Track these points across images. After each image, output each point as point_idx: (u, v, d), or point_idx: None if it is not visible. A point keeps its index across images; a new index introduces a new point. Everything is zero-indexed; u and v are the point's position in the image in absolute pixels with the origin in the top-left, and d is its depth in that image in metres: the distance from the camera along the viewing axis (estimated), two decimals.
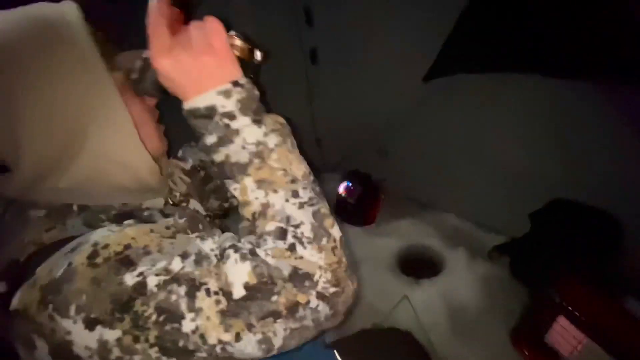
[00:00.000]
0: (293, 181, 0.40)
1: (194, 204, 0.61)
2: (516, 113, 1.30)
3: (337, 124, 1.71)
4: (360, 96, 1.58)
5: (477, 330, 1.19)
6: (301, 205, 0.39)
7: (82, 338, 0.34)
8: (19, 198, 0.42)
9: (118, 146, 0.43)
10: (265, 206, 0.39)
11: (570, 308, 0.97)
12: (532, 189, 1.32)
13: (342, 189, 1.61)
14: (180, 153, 0.72)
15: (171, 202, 0.53)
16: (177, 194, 0.59)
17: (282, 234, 0.38)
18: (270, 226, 0.38)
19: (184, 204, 0.57)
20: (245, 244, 0.38)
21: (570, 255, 1.18)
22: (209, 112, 0.39)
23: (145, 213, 0.46)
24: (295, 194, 0.39)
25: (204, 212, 0.62)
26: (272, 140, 0.40)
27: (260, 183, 0.39)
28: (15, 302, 0.36)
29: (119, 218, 0.43)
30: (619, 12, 0.88)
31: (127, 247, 0.36)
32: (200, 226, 0.50)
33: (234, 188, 0.41)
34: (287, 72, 1.58)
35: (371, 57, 1.48)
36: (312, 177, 0.42)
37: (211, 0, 1.33)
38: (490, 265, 1.37)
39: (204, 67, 0.38)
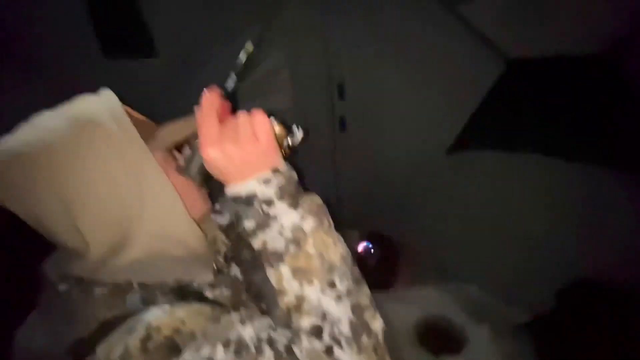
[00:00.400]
0: (330, 269, 0.40)
1: (235, 270, 0.61)
2: (541, 187, 1.34)
3: (359, 186, 1.79)
4: (385, 165, 1.68)
5: None
6: (338, 298, 0.39)
7: None
8: (86, 278, 0.46)
9: (169, 223, 0.46)
10: (301, 299, 0.39)
11: None
12: (559, 266, 1.31)
13: (360, 248, 1.63)
14: (217, 206, 0.74)
15: (216, 268, 0.54)
16: (221, 259, 0.60)
17: (318, 332, 0.37)
18: (306, 322, 0.38)
19: (226, 270, 0.58)
20: (281, 338, 0.38)
21: (597, 335, 1.13)
22: (249, 199, 0.41)
23: (195, 285, 0.49)
24: (331, 285, 0.39)
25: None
26: (309, 224, 0.41)
27: (296, 272, 0.39)
28: None
29: (173, 293, 0.46)
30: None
31: (177, 331, 0.37)
32: (243, 297, 0.51)
33: (270, 274, 0.41)
34: (317, 138, 1.72)
35: (395, 128, 1.60)
36: (350, 259, 0.42)
37: (262, 74, 1.55)
38: (515, 343, 1.31)
39: (248, 157, 0.41)
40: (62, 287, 0.46)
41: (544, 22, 1.06)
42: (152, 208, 0.45)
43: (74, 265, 0.46)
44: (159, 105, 1.35)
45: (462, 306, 1.51)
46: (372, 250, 1.59)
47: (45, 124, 0.45)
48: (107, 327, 0.40)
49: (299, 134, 0.46)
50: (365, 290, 0.42)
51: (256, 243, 0.41)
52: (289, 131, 0.46)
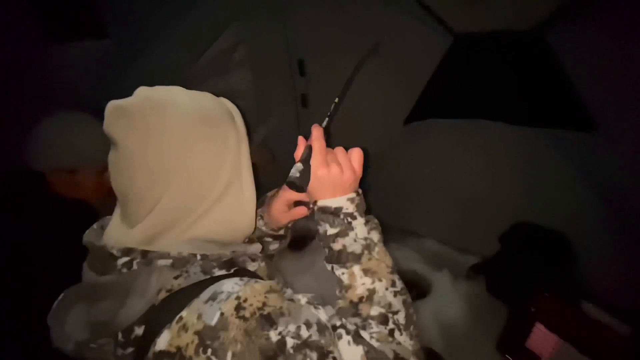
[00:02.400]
0: (391, 272, 0.50)
1: (272, 245, 0.73)
2: (483, 150, 1.54)
3: None
4: (346, 136, 1.75)
5: (468, 345, 1.32)
6: (396, 294, 0.49)
7: None
8: (147, 246, 0.47)
9: (240, 215, 0.53)
10: (372, 292, 0.48)
11: (545, 316, 1.15)
12: (499, 215, 1.55)
13: None
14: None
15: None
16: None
17: (384, 319, 0.46)
18: (375, 311, 0.47)
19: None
20: (351, 325, 0.46)
21: (534, 270, 1.39)
22: (337, 211, 0.52)
23: (241, 259, 0.54)
24: (393, 284, 0.49)
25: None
26: (375, 237, 0.52)
27: (367, 271, 0.49)
28: (162, 343, 0.40)
29: (226, 265, 0.50)
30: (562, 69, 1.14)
31: (265, 304, 0.41)
32: (273, 269, 0.60)
33: (341, 272, 0.51)
34: (281, 115, 1.72)
35: (356, 103, 1.67)
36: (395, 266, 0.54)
37: (216, 52, 1.48)
38: (471, 284, 1.55)
39: (344, 180, 0.52)
40: (123, 260, 0.46)
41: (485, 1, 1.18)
42: (230, 199, 0.51)
43: (139, 240, 0.47)
44: (111, 87, 1.24)
45: (423, 258, 1.71)
46: None
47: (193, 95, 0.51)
48: (179, 297, 0.43)
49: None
50: (407, 291, 0.51)
51: (336, 246, 0.52)
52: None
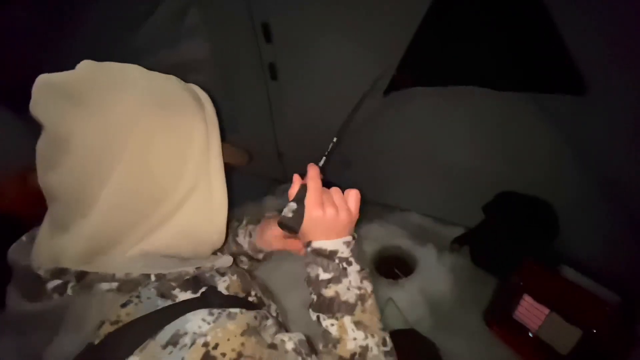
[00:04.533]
0: (382, 329, 0.47)
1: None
2: (465, 119, 1.46)
3: (298, 137, 1.72)
4: (321, 109, 1.61)
5: (456, 319, 1.32)
6: (386, 355, 0.45)
7: None
8: (85, 265, 0.38)
9: (206, 225, 0.45)
10: (365, 349, 0.44)
11: (532, 287, 1.14)
12: (483, 185, 1.51)
13: None
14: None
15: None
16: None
17: None
18: None
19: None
20: None
21: (519, 240, 1.38)
22: (332, 255, 0.48)
23: (207, 274, 0.46)
24: (384, 342, 0.46)
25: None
26: (369, 287, 0.48)
27: (359, 324, 0.45)
28: None
29: (189, 285, 0.42)
30: (549, 38, 1.05)
31: (240, 355, 0.34)
32: (248, 279, 0.52)
33: (330, 324, 0.46)
34: (248, 88, 1.54)
35: (330, 71, 1.52)
36: None
37: (163, 17, 1.25)
38: (456, 256, 1.53)
39: (339, 222, 0.48)
40: (54, 284, 0.38)
41: None
42: (195, 204, 0.43)
43: (73, 257, 0.38)
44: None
45: (407, 233, 1.67)
46: None
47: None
48: (129, 333, 0.35)
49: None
50: (394, 352, 0.48)
51: (328, 292, 0.47)
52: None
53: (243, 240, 0.68)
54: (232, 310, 0.39)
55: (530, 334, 1.15)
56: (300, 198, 0.50)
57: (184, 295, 0.40)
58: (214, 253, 0.50)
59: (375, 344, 0.45)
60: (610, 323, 0.98)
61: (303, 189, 0.51)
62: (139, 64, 0.44)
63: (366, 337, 0.45)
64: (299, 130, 1.66)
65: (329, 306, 0.46)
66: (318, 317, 0.48)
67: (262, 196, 1.92)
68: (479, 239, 1.53)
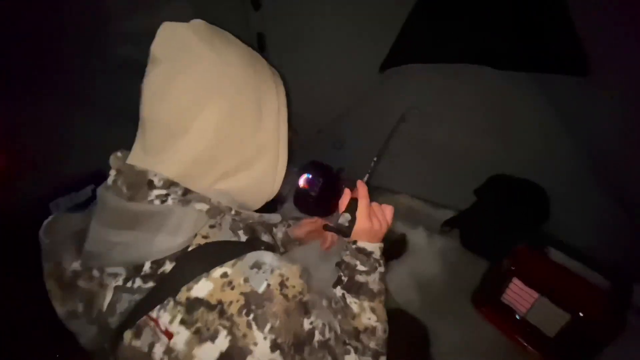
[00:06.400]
0: (387, 321, 0.58)
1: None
2: (457, 101, 1.41)
3: (291, 119, 1.64)
4: (312, 83, 1.53)
5: (444, 300, 1.32)
6: (385, 342, 0.57)
7: (263, 354, 0.37)
8: (192, 190, 0.45)
9: (268, 185, 0.52)
10: (374, 329, 0.56)
11: (522, 271, 1.14)
12: (475, 168, 1.48)
13: (302, 181, 1.57)
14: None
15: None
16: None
17: (377, 356, 0.54)
18: (373, 345, 0.54)
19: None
20: (351, 345, 0.51)
21: (510, 223, 1.37)
22: (369, 254, 0.61)
23: (258, 227, 0.56)
24: (385, 331, 0.57)
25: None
26: (383, 286, 0.61)
27: (374, 311, 0.57)
28: (200, 291, 0.38)
29: (248, 230, 0.50)
30: (548, 15, 0.99)
31: (302, 292, 0.42)
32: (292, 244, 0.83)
33: (353, 301, 0.58)
34: None
35: (322, 43, 1.42)
36: None
37: None
38: (446, 239, 1.52)
39: (380, 232, 0.63)
40: (158, 192, 0.43)
41: None
42: (265, 164, 0.50)
43: (170, 172, 0.44)
44: None
45: (398, 215, 1.64)
46: (314, 181, 1.55)
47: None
48: (215, 250, 0.42)
49: None
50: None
51: (360, 278, 0.60)
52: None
53: (280, 229, 0.87)
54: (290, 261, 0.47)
55: (517, 317, 1.16)
56: (352, 210, 0.64)
57: (244, 236, 0.47)
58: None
59: (382, 330, 0.56)
60: (599, 308, 0.98)
61: (354, 203, 0.64)
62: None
63: (377, 321, 0.56)
64: (291, 110, 1.58)
65: (357, 289, 0.58)
66: (344, 295, 0.58)
67: None
68: (469, 222, 1.52)
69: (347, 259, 0.62)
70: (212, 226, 0.44)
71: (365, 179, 0.67)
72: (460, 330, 1.21)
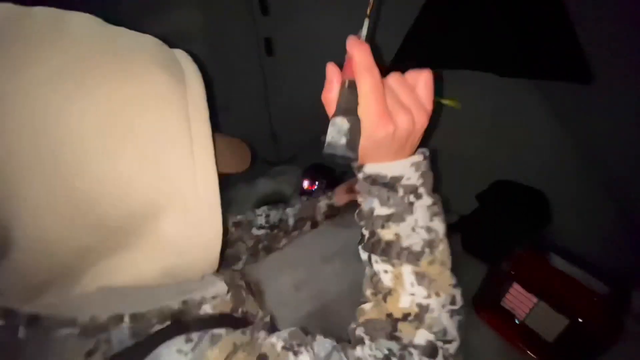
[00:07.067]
0: (455, 285, 0.34)
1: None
2: (464, 106, 1.42)
3: (294, 118, 1.67)
4: (319, 89, 1.55)
5: None
6: (453, 314, 0.34)
7: None
8: (45, 315, 0.29)
9: (195, 237, 0.32)
10: (424, 310, 0.33)
11: (522, 276, 1.15)
12: (477, 173, 1.50)
13: (307, 184, 1.60)
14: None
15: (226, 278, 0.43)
16: (239, 266, 0.53)
17: (433, 351, 0.32)
18: (422, 338, 0.32)
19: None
20: (377, 351, 0.30)
21: (511, 228, 1.38)
22: (393, 182, 0.34)
23: (198, 299, 0.37)
24: (453, 301, 0.34)
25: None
26: (440, 228, 0.35)
27: (422, 278, 0.33)
28: None
29: (173, 317, 0.33)
30: (556, 23, 1.01)
31: None
32: (243, 294, 0.42)
33: (384, 269, 0.33)
34: (242, 64, 1.47)
35: (330, 49, 1.45)
36: None
37: None
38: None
39: (416, 133, 0.32)
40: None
41: None
42: (175, 212, 0.30)
43: (23, 296, 0.29)
44: None
45: None
46: (318, 184, 1.57)
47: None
48: None
49: None
50: (464, 309, 0.37)
51: (386, 234, 0.34)
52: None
53: (322, 204, 0.77)
54: (216, 331, 0.31)
55: (517, 321, 1.17)
56: (349, 108, 0.32)
57: (161, 326, 0.31)
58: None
59: (440, 304, 0.34)
60: (597, 313, 0.99)
61: (351, 90, 0.32)
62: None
63: (429, 296, 0.34)
64: (295, 111, 1.61)
65: (384, 250, 0.35)
66: (369, 257, 0.37)
67: (254, 178, 1.88)
68: (471, 226, 1.53)
69: (360, 200, 0.38)
70: (90, 352, 0.29)
71: (363, 31, 0.35)
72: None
